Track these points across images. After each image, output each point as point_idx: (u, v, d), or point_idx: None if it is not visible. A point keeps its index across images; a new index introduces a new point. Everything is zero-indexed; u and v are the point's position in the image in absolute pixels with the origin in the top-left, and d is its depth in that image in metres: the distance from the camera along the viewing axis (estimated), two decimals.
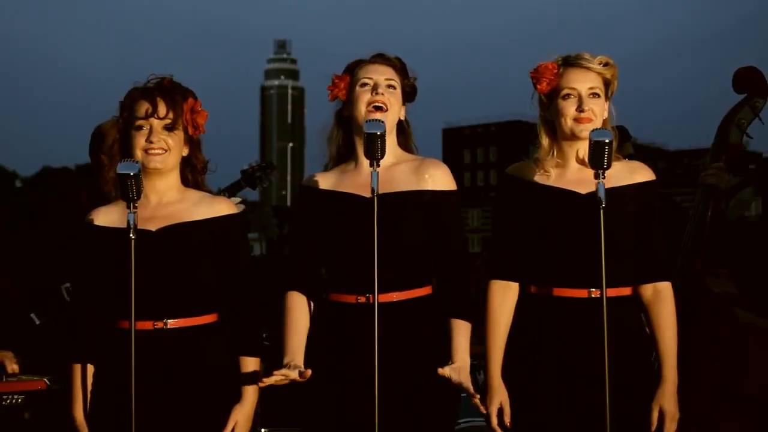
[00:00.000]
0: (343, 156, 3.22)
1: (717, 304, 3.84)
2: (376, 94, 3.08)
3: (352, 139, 3.17)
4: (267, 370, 3.07)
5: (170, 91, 3.00)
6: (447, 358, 3.06)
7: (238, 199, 5.06)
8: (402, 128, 3.21)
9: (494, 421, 3.04)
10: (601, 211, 2.84)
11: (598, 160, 2.84)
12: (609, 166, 2.86)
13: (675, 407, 3.00)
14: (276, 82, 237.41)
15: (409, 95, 3.21)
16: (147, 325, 2.90)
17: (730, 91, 4.09)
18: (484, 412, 3.06)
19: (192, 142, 3.06)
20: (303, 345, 3.09)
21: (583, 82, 3.04)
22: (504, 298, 3.11)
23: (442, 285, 3.14)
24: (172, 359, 2.92)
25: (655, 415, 2.99)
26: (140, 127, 2.98)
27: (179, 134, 3.01)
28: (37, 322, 4.11)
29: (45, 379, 3.69)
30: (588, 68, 3.05)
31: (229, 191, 5.21)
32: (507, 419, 3.03)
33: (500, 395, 3.05)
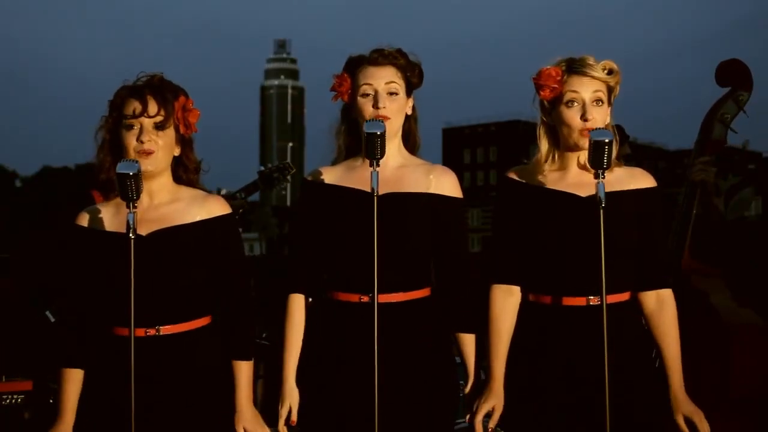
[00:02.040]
0: (351, 151, 3.22)
1: (703, 303, 3.82)
2: (377, 108, 3.07)
3: (359, 134, 3.15)
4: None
5: (160, 89, 2.93)
6: (446, 359, 3.10)
7: (240, 200, 5.04)
8: (406, 126, 3.19)
9: (479, 418, 3.01)
10: (601, 212, 2.83)
11: (598, 160, 2.83)
12: (609, 166, 2.85)
13: (693, 405, 3.02)
14: (276, 82, 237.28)
15: (415, 84, 3.19)
16: (139, 332, 2.84)
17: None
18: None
19: (184, 141, 2.99)
20: (297, 359, 3.11)
21: (587, 89, 3.02)
22: (505, 302, 3.09)
23: (443, 293, 3.13)
24: (166, 365, 2.88)
25: (683, 423, 3.00)
26: (130, 127, 2.90)
27: (170, 133, 2.94)
28: (52, 320, 4.11)
29: (31, 381, 3.68)
30: (592, 76, 3.02)
31: (245, 191, 5.19)
32: (492, 424, 3.02)
33: (495, 399, 3.03)
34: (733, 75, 3.99)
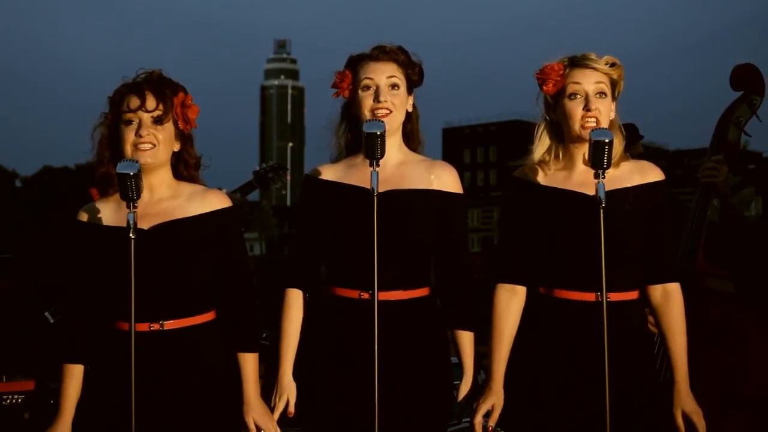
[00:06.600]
0: (351, 149, 3.22)
1: (718, 305, 3.82)
2: (378, 101, 3.08)
3: (359, 131, 3.15)
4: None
5: (159, 85, 2.94)
6: (442, 360, 3.10)
7: (240, 198, 5.07)
8: (409, 126, 3.19)
9: (478, 418, 3.02)
10: (601, 211, 2.83)
11: (598, 160, 2.83)
12: (609, 166, 2.85)
13: (695, 404, 3.02)
14: (276, 82, 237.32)
15: (416, 82, 3.20)
16: (143, 326, 2.86)
17: (731, 91, 4.07)
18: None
19: (183, 137, 3.00)
20: (294, 352, 3.12)
21: (589, 81, 3.03)
22: (509, 302, 3.10)
23: (443, 290, 3.14)
24: (170, 360, 2.89)
25: (680, 418, 3.01)
26: (129, 122, 2.92)
27: (169, 128, 2.95)
28: (51, 321, 4.11)
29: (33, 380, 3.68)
30: (594, 68, 3.04)
31: (241, 192, 5.23)
32: (492, 423, 3.02)
33: (495, 398, 3.04)
34: (748, 79, 4.01)
